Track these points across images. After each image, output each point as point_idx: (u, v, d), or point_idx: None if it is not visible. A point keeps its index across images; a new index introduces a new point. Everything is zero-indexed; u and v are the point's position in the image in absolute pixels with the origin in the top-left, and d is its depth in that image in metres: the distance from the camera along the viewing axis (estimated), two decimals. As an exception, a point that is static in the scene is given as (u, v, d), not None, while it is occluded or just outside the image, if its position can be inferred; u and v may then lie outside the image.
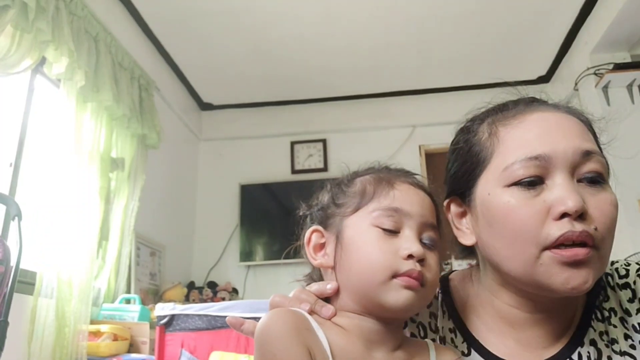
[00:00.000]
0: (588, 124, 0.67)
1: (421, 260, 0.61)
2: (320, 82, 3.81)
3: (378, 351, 0.62)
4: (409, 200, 0.65)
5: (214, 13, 2.99)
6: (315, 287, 0.67)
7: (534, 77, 3.78)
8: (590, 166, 0.61)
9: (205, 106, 4.11)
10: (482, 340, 0.71)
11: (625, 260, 0.72)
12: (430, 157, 3.89)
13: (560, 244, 0.58)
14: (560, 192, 0.59)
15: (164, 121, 3.21)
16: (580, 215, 0.58)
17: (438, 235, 0.66)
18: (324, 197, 0.72)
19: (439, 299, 0.77)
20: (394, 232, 0.63)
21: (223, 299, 3.43)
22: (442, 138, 3.86)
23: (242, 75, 3.68)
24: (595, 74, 3.03)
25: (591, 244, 0.58)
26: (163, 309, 2.09)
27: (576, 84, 3.18)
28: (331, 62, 3.54)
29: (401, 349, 0.65)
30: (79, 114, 2.32)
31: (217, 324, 2.03)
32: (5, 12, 1.85)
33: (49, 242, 2.07)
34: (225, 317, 2.01)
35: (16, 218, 1.44)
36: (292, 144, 4.02)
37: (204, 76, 3.71)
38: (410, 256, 0.61)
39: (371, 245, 0.62)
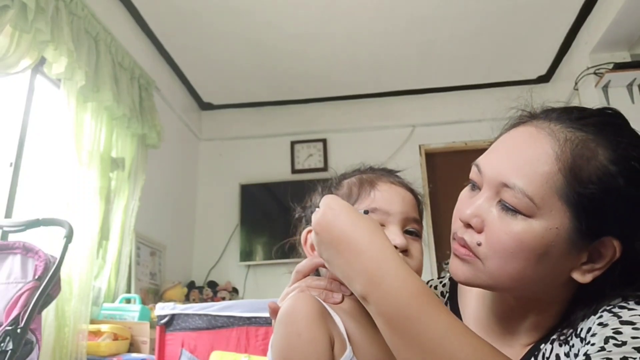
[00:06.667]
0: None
1: (405, 251, 0.68)
2: (320, 82, 3.81)
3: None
4: (389, 199, 0.70)
5: (213, 13, 2.99)
6: (304, 264, 0.71)
7: (534, 77, 3.78)
8: (505, 196, 0.64)
9: (205, 106, 4.11)
10: None
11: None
12: (430, 157, 3.89)
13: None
14: (470, 202, 0.67)
15: (164, 121, 3.21)
16: (470, 227, 0.64)
17: (420, 227, 0.73)
18: (317, 200, 0.77)
19: (445, 297, 0.80)
20: None
21: (223, 299, 3.44)
22: (442, 138, 3.89)
23: (242, 75, 3.68)
24: (595, 73, 3.03)
25: (470, 252, 0.64)
26: (163, 309, 2.09)
27: (576, 84, 3.18)
28: (331, 62, 3.54)
29: None
30: (79, 114, 2.32)
31: (217, 323, 2.03)
32: (5, 12, 1.85)
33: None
34: (225, 316, 2.02)
35: (65, 239, 1.52)
36: (292, 143, 4.02)
37: (204, 76, 3.71)
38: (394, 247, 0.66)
39: None
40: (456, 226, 0.67)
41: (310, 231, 0.73)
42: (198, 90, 3.90)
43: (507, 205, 0.61)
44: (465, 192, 0.69)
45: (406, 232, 0.70)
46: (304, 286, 0.69)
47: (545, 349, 0.65)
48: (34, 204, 2.17)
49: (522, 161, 0.61)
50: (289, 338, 0.59)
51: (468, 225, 0.65)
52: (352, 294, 0.68)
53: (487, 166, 0.65)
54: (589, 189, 0.58)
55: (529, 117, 0.67)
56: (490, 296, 0.72)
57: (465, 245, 0.64)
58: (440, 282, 0.83)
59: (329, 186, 0.77)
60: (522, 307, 0.68)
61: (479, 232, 0.63)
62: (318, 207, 0.73)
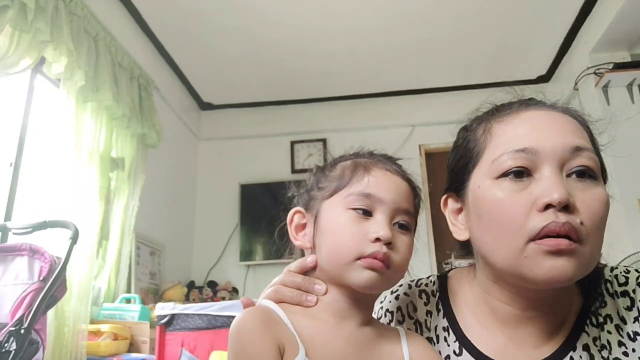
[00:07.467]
0: (584, 124, 0.67)
1: (389, 244, 0.63)
2: (320, 82, 3.81)
3: (348, 324, 0.66)
4: (383, 186, 0.66)
5: (214, 13, 2.99)
6: (294, 265, 0.71)
7: (534, 76, 3.78)
8: (579, 161, 0.61)
9: (205, 106, 4.11)
10: (474, 339, 0.71)
11: (625, 267, 0.71)
12: (430, 157, 3.89)
13: (544, 235, 0.58)
14: (546, 184, 0.60)
15: (164, 121, 3.21)
16: (566, 208, 0.58)
17: (413, 220, 0.69)
18: (310, 180, 0.75)
19: (436, 297, 0.77)
20: (367, 216, 0.65)
21: (223, 299, 3.44)
22: (442, 137, 3.87)
23: (242, 75, 3.68)
24: (595, 73, 3.03)
25: (575, 237, 0.58)
26: (163, 309, 2.09)
27: (576, 84, 3.18)
28: (331, 61, 3.54)
29: (370, 325, 0.67)
30: (79, 114, 2.32)
31: (217, 323, 2.03)
32: (4, 12, 1.85)
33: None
34: (225, 316, 2.02)
35: (71, 241, 1.54)
36: (292, 143, 4.02)
37: (204, 76, 3.71)
38: (377, 239, 0.63)
39: (342, 228, 0.65)
40: (534, 223, 0.58)
41: (297, 212, 0.73)
42: (198, 90, 3.90)
43: (579, 170, 0.61)
44: (508, 186, 0.62)
45: (395, 224, 0.66)
46: (279, 284, 0.70)
47: (581, 356, 0.66)
48: (34, 204, 2.17)
49: (570, 129, 0.63)
50: (235, 354, 0.60)
51: (563, 208, 0.58)
52: (326, 293, 0.67)
53: (542, 142, 0.61)
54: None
55: (521, 104, 0.69)
56: (498, 305, 0.69)
57: (569, 230, 0.57)
58: (431, 281, 0.80)
59: (323, 168, 0.75)
60: (528, 314, 0.68)
61: (574, 211, 0.58)
62: (308, 189, 0.73)
